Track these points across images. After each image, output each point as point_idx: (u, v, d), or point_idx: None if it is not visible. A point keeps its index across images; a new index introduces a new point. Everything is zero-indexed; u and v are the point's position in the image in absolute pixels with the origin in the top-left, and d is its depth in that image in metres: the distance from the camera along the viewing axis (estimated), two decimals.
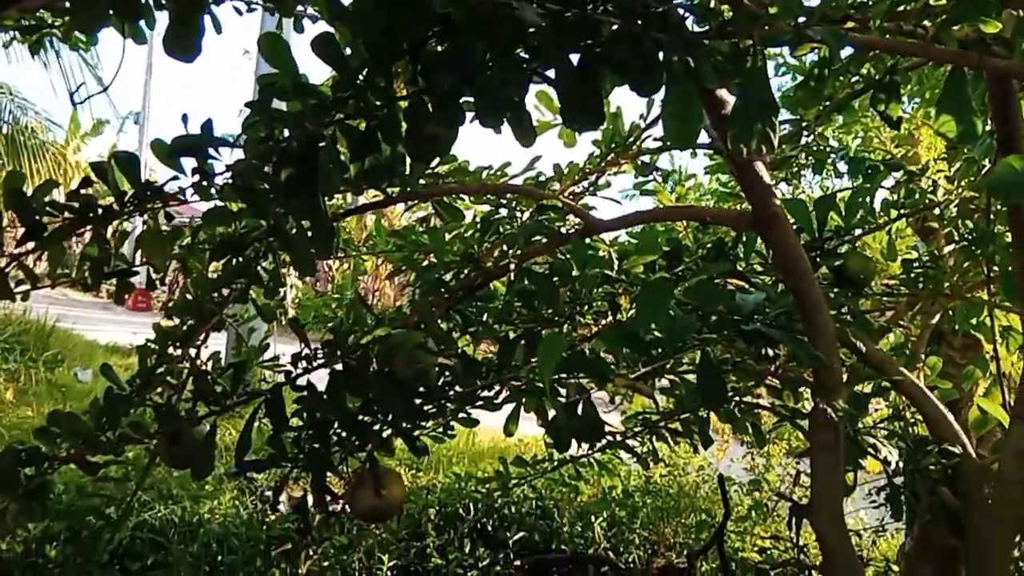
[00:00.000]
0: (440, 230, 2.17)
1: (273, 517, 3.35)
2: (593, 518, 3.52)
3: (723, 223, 2.14)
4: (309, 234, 1.95)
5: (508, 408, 2.31)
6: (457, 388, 2.36)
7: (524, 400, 2.76)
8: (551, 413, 2.07)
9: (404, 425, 2.22)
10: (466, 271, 2.37)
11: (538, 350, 1.44)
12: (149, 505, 3.29)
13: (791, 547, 2.12)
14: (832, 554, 1.83)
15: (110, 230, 1.91)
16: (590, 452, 3.11)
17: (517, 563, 3.08)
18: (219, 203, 1.98)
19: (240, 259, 2.13)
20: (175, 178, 1.78)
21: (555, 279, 1.89)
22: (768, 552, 3.07)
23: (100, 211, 1.59)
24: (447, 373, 2.30)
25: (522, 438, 5.23)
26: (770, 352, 1.85)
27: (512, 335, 2.24)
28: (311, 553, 1.98)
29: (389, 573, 2.91)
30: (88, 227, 1.68)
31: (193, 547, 2.94)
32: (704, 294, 1.77)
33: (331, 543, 2.07)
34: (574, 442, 2.59)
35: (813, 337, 1.78)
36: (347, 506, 2.12)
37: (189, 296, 2.29)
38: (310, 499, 3.44)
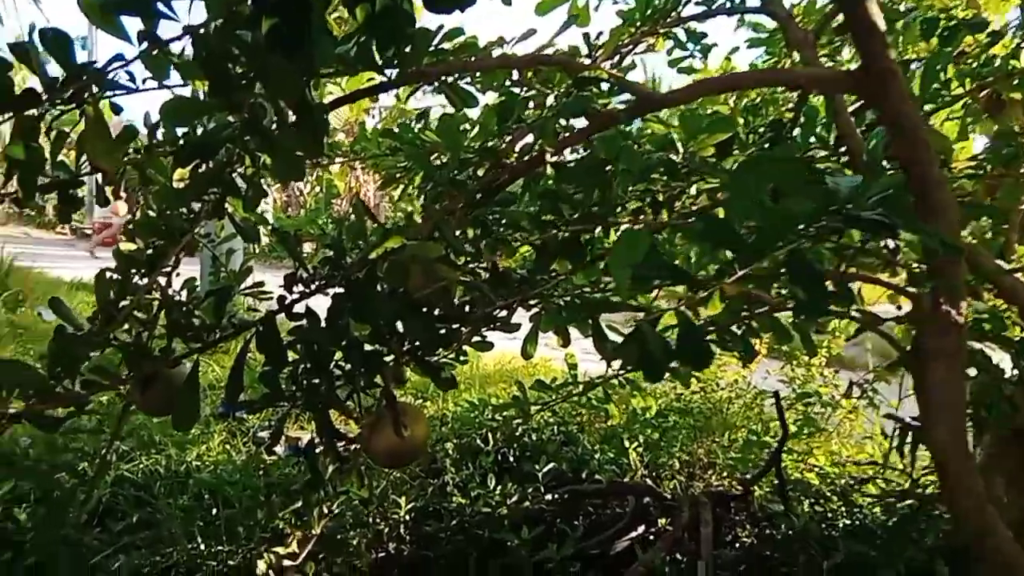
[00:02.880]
0: (453, 119, 1.82)
1: (270, 460, 3.09)
2: (627, 442, 3.26)
3: (823, 87, 1.80)
4: (294, 130, 1.61)
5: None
6: (475, 307, 2.08)
7: (542, 320, 2.49)
8: (613, 336, 1.78)
9: (422, 354, 1.92)
10: (484, 169, 2.03)
11: (614, 250, 1.13)
12: (128, 456, 3.01)
13: (880, 468, 1.87)
14: (956, 479, 1.56)
15: (43, 130, 1.55)
16: (621, 371, 2.84)
17: (548, 497, 2.84)
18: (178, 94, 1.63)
19: (211, 164, 1.78)
20: (119, 57, 1.42)
21: (606, 168, 1.55)
22: (831, 478, 2.83)
23: (21, 99, 1.22)
24: (468, 291, 2.01)
25: (534, 360, 4.96)
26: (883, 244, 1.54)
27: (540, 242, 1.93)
28: (325, 510, 1.70)
29: (407, 517, 2.66)
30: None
31: (182, 499, 2.67)
32: (791, 178, 1.44)
33: (349, 496, 1.79)
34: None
35: (932, 223, 1.47)
36: (363, 450, 1.83)
37: (153, 213, 1.95)
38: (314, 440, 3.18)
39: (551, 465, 2.92)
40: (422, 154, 1.97)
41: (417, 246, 1.73)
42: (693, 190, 2.04)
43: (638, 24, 2.29)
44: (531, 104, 2.09)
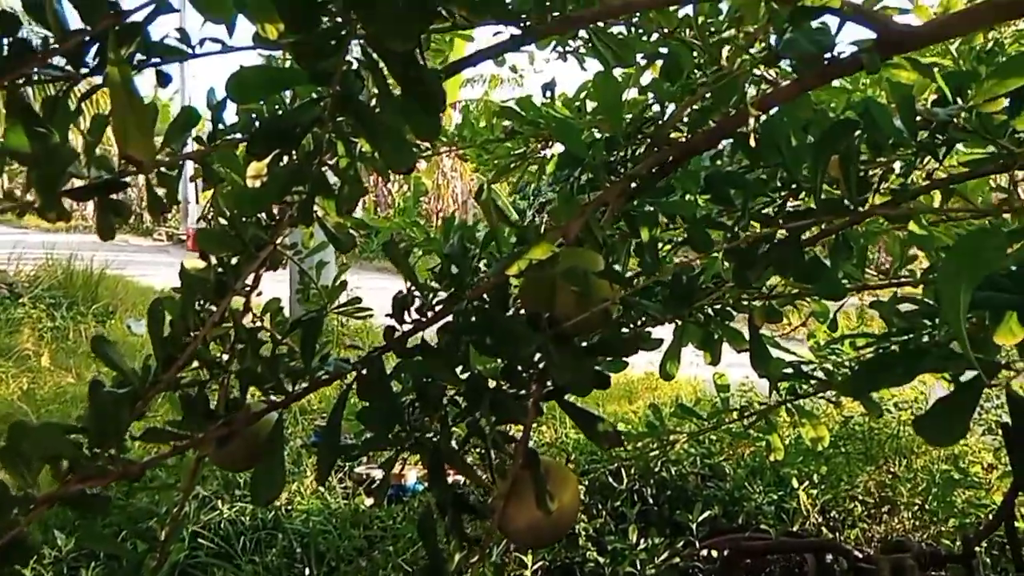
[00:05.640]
0: (611, 78, 1.35)
1: (369, 503, 2.69)
2: (796, 481, 2.73)
3: None
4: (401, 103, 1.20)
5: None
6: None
7: (686, 332, 2.12)
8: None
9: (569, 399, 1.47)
10: (640, 146, 1.57)
11: (948, 259, 0.64)
12: (209, 503, 2.65)
13: None
14: None
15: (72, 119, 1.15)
16: (790, 396, 2.34)
17: (704, 553, 2.34)
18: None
19: (294, 155, 1.37)
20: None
21: (854, 132, 1.07)
22: None
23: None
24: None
25: (651, 372, 4.46)
26: None
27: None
28: None
29: None
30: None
31: (270, 555, 2.29)
32: None
33: None
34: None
35: None
36: (498, 527, 1.40)
37: (224, 221, 1.54)
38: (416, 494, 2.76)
39: (707, 513, 2.43)
40: (572, 129, 1.51)
41: (570, 254, 1.27)
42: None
43: None
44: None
